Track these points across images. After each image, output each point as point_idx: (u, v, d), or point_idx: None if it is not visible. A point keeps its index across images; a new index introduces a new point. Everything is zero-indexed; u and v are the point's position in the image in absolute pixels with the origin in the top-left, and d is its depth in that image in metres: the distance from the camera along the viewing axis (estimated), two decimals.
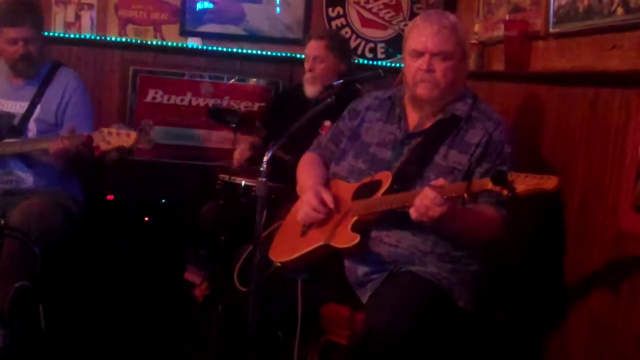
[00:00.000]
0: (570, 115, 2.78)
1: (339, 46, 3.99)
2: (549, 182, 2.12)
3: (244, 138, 4.10)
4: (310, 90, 3.88)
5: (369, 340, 2.38)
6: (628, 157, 2.34)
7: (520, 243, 2.92)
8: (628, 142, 2.35)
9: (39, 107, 3.57)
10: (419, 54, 2.63)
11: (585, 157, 2.64)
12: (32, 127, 3.55)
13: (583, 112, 2.66)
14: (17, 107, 3.57)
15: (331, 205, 2.64)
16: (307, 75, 3.93)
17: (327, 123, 3.62)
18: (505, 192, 2.15)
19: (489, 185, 2.19)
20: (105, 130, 3.21)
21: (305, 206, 2.68)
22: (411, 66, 2.66)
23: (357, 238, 2.51)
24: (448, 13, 2.83)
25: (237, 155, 3.93)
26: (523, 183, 2.13)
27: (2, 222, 3.22)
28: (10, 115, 3.56)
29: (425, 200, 2.31)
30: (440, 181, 2.38)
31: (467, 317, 2.62)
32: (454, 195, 2.32)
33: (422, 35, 2.63)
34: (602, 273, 2.45)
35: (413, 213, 2.35)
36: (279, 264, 2.62)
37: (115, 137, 3.20)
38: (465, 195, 2.27)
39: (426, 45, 2.61)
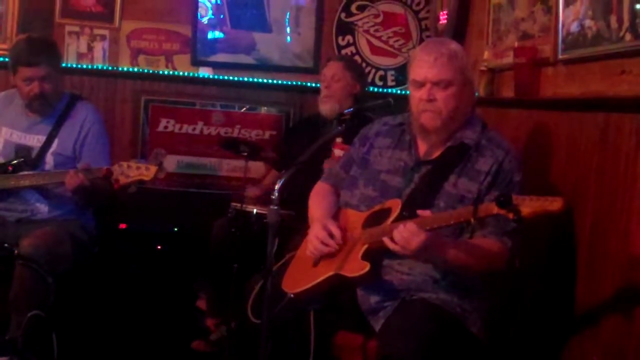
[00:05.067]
0: (580, 141, 2.78)
1: (355, 68, 4.22)
2: (554, 204, 2.11)
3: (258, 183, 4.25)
4: (326, 107, 4.03)
5: None
6: (639, 182, 2.34)
7: (532, 269, 2.91)
8: (638, 167, 2.34)
9: (56, 140, 3.59)
10: (420, 84, 2.65)
11: (596, 183, 2.63)
12: (49, 160, 3.56)
13: (593, 138, 2.66)
14: (35, 141, 3.59)
15: (339, 240, 2.64)
16: (324, 93, 4.06)
17: (339, 140, 3.66)
18: (510, 215, 2.14)
19: (495, 209, 2.19)
20: (124, 164, 3.24)
21: (313, 240, 2.68)
22: (414, 96, 2.69)
23: (367, 266, 2.50)
24: (449, 41, 2.84)
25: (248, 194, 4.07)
26: (528, 206, 2.13)
27: (16, 251, 3.23)
28: (27, 148, 3.58)
29: (404, 233, 2.33)
30: (427, 212, 2.41)
31: (480, 344, 2.60)
32: (461, 220, 2.32)
33: (421, 66, 2.65)
34: (615, 299, 2.44)
35: (390, 245, 2.37)
36: (292, 295, 2.62)
37: (135, 171, 3.22)
38: (472, 219, 2.27)
39: (426, 75, 2.63)
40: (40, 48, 3.54)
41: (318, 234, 2.66)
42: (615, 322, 2.42)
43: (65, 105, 3.67)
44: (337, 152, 3.62)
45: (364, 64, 5.01)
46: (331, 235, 2.65)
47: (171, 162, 4.89)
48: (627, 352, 2.34)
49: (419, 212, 2.41)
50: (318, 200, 2.93)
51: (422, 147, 2.75)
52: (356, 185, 2.82)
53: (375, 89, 5.04)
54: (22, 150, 3.58)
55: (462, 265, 2.49)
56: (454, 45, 2.72)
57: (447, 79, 2.61)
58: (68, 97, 3.72)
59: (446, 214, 2.43)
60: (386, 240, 2.39)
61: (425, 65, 2.63)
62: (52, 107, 3.62)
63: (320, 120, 4.09)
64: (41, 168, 3.55)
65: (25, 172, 3.49)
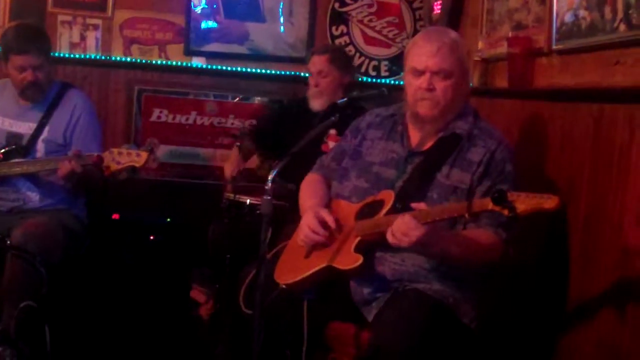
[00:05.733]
0: (574, 132, 2.78)
1: (341, 59, 4.08)
2: (550, 202, 2.11)
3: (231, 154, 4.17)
4: (316, 103, 3.95)
5: (375, 359, 2.37)
6: (632, 173, 2.34)
7: (525, 261, 2.91)
8: (632, 157, 2.35)
9: (47, 127, 3.58)
10: (420, 73, 2.63)
11: (589, 174, 2.63)
12: (40, 148, 3.56)
13: (587, 128, 2.66)
14: (26, 128, 3.58)
15: (332, 225, 2.63)
16: (313, 90, 3.99)
17: (333, 131, 3.63)
18: (505, 212, 2.14)
19: (490, 205, 2.18)
20: (115, 150, 3.22)
21: (304, 228, 2.67)
22: (412, 84, 2.66)
23: (360, 259, 2.49)
24: (449, 30, 2.84)
25: (227, 170, 4.00)
26: (524, 203, 2.13)
27: (8, 242, 3.22)
28: (18, 136, 3.57)
29: (402, 226, 2.32)
30: (421, 205, 2.39)
31: (472, 335, 2.61)
32: (455, 215, 2.32)
33: (422, 54, 2.62)
34: (608, 291, 2.44)
35: (390, 238, 2.36)
36: (283, 286, 2.61)
37: (126, 157, 3.20)
38: (467, 215, 2.27)
39: (426, 64, 2.60)
40: (30, 35, 3.54)
41: (309, 222, 2.65)
42: (608, 315, 2.43)
43: (56, 92, 3.66)
44: (332, 144, 3.61)
45: (357, 54, 5.00)
46: (324, 224, 2.64)
47: (164, 152, 4.85)
48: (620, 345, 2.34)
49: (414, 205, 2.40)
50: (310, 190, 2.91)
51: (414, 137, 2.74)
52: (348, 177, 2.81)
53: (369, 79, 5.02)
54: (13, 138, 3.57)
55: (457, 258, 2.49)
56: (454, 35, 2.71)
57: (448, 69, 2.60)
58: (59, 85, 3.72)
59: (440, 207, 2.42)
60: (387, 236, 2.36)
61: (426, 53, 2.61)
62: (43, 95, 3.61)
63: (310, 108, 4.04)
64: (32, 155, 3.54)
65: (16, 160, 3.48)
